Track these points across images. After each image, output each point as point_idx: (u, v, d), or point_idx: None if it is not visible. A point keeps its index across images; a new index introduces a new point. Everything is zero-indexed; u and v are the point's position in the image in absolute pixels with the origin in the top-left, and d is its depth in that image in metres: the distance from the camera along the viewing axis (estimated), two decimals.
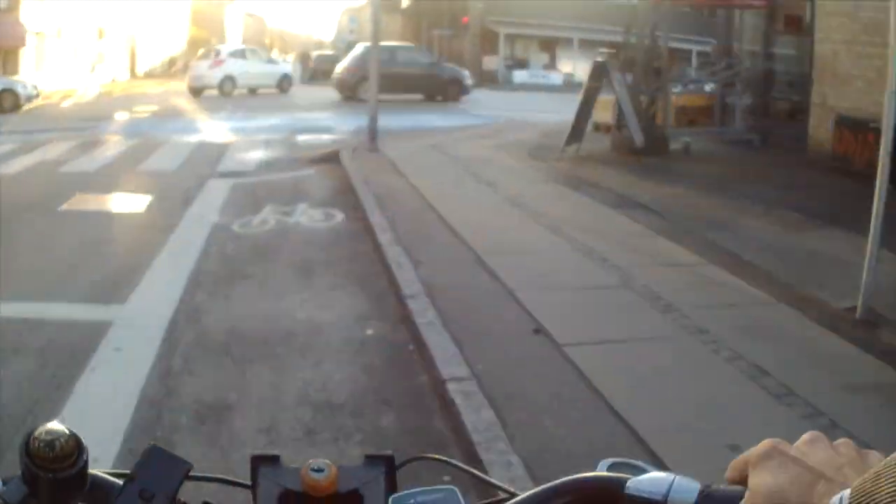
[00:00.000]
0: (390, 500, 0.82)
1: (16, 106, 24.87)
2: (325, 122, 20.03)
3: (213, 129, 18.44)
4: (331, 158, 13.26)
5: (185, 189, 10.73)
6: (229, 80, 31.49)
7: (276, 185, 11.22)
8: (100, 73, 45.08)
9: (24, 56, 36.50)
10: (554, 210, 9.03)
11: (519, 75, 48.47)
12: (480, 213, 8.88)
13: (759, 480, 0.68)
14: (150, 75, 56.93)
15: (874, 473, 0.59)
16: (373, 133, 13.67)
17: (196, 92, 31.06)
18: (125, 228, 8.99)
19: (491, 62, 47.75)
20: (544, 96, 32.56)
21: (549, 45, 50.47)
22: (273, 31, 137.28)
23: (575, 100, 13.77)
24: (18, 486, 0.78)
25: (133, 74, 54.73)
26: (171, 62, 65.90)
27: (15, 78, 30.04)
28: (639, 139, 12.78)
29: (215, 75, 31.50)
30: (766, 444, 0.70)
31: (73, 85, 39.55)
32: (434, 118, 20.54)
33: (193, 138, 16.43)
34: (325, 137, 16.37)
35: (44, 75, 38.03)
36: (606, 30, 46.68)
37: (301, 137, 16.55)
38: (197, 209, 9.60)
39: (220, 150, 14.59)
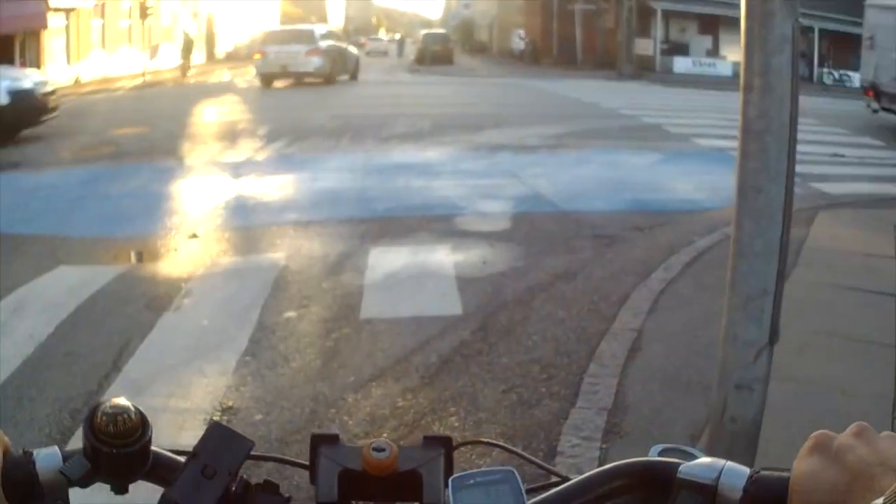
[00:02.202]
0: (449, 480, 0.80)
1: None
2: (448, 186, 9.61)
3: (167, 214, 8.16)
4: None
5: None
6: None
7: None
8: (165, 57, 36.42)
9: (50, 41, 27.57)
10: None
11: (680, 63, 39.29)
12: None
13: (800, 473, 0.69)
14: (232, 57, 49.68)
15: None
16: None
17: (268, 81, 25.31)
18: None
19: (643, 46, 38.52)
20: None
21: (711, 26, 41.66)
22: (379, 9, 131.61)
23: None
24: (80, 461, 0.77)
25: (211, 57, 47.41)
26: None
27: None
28: None
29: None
30: (812, 437, 0.70)
31: (129, 72, 32.05)
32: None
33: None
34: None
35: (86, 64, 30.76)
36: None
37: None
38: None
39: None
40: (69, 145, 13.12)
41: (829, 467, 0.67)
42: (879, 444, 0.68)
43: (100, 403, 0.78)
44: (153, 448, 0.80)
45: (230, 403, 3.99)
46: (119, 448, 0.76)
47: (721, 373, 3.15)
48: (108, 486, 0.79)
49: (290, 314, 5.26)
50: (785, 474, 0.71)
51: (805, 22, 28.68)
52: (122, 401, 0.78)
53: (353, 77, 29.24)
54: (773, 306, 3.14)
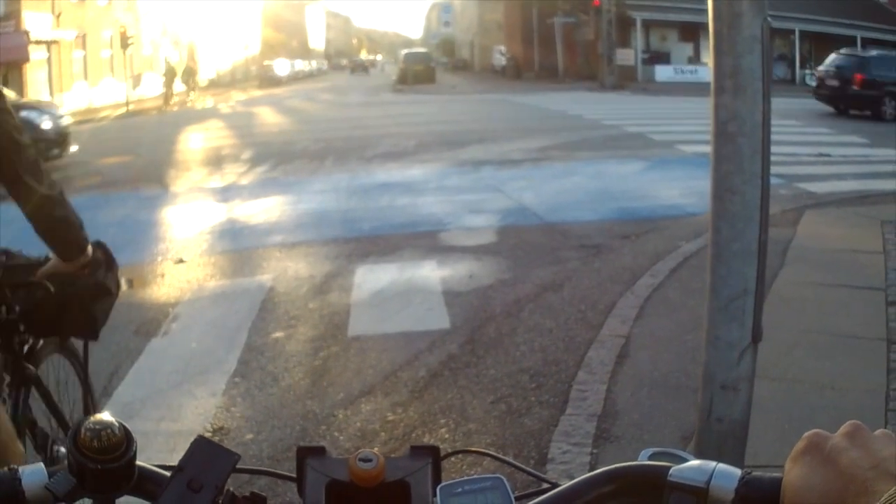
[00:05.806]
0: (438, 489, 0.80)
1: None
2: (433, 203, 9.74)
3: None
4: None
5: None
6: None
7: None
8: (148, 86, 36.59)
9: (33, 73, 27.69)
10: None
11: (662, 71, 39.43)
12: None
13: (793, 475, 0.68)
14: (215, 84, 49.47)
15: None
16: None
17: None
18: None
19: (624, 57, 38.69)
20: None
21: (692, 33, 41.77)
22: (360, 31, 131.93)
23: None
24: (66, 477, 0.76)
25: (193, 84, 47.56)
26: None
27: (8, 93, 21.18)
28: None
29: None
30: (805, 437, 0.70)
31: (112, 102, 32.54)
32: None
33: None
34: None
35: (69, 95, 30.65)
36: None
37: None
38: None
39: None
40: (55, 176, 13.08)
41: (821, 470, 0.66)
42: (873, 445, 0.67)
43: (83, 420, 0.77)
44: (139, 463, 0.79)
45: (221, 424, 3.99)
46: (104, 463, 0.76)
47: (705, 374, 3.16)
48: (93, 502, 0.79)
49: (279, 335, 5.27)
50: (777, 475, 0.70)
51: (785, 24, 28.41)
52: (105, 416, 0.78)
53: None
54: (754, 306, 3.14)
